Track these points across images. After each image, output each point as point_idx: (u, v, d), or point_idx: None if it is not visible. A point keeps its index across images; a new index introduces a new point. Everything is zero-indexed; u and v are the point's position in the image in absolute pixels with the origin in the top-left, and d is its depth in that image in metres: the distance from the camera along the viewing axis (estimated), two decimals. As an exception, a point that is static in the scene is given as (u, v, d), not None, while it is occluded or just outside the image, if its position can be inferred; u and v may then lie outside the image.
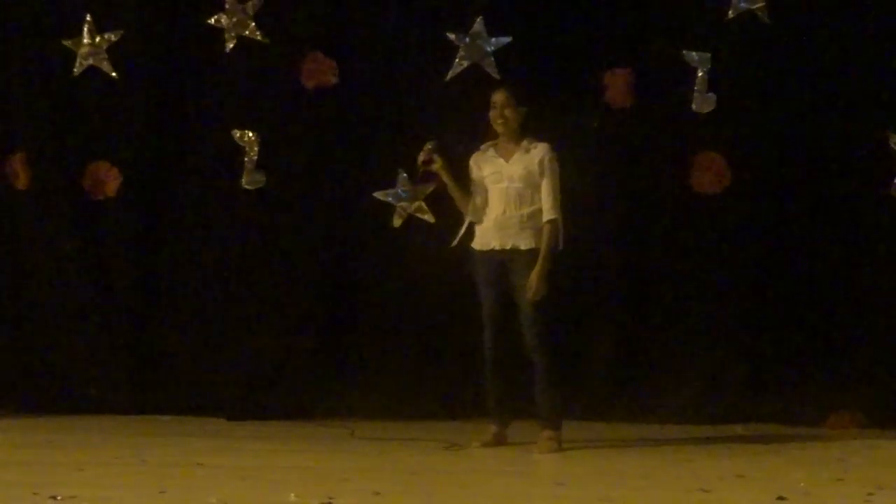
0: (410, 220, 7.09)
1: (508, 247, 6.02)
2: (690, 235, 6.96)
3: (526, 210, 6.02)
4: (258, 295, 7.17)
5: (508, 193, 6.03)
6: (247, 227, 7.21)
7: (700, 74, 6.92)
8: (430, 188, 7.00)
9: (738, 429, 6.63)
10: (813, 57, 6.90)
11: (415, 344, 7.05)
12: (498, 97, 6.09)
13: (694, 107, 6.94)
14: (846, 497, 4.71)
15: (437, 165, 6.11)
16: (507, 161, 6.08)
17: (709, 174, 6.93)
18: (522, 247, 6.00)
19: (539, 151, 6.05)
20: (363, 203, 7.12)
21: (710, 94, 6.93)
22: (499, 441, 6.09)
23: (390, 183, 7.09)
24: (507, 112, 6.05)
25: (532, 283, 5.90)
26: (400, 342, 7.08)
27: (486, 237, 6.07)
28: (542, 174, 6.02)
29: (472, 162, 6.17)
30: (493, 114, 6.09)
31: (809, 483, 5.01)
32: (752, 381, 6.87)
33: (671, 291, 6.98)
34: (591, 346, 6.99)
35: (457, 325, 6.85)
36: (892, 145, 6.84)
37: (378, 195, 7.11)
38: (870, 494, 4.71)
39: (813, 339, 6.86)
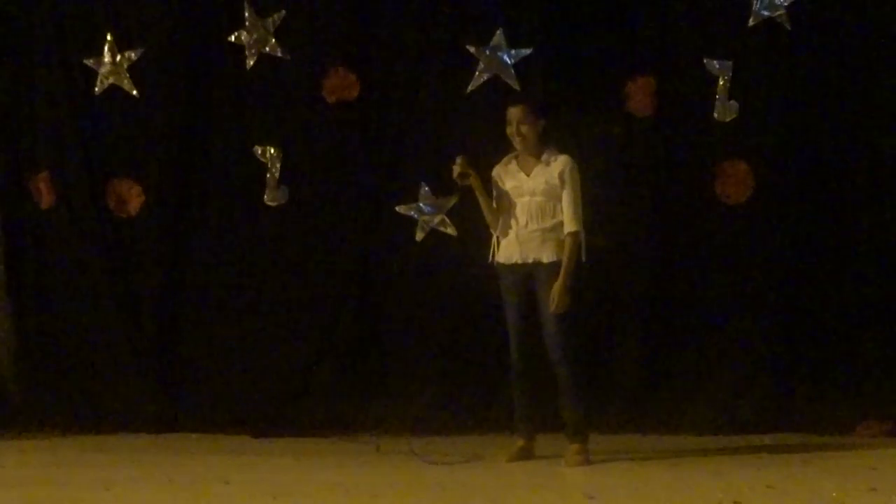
0: (433, 233, 7.08)
1: (531, 260, 6.01)
2: (716, 244, 6.93)
3: (548, 223, 6.00)
4: (283, 311, 7.17)
5: (530, 207, 6.02)
6: (270, 243, 7.22)
7: (721, 82, 6.89)
8: (452, 201, 7.00)
9: (767, 438, 6.58)
10: (835, 63, 6.87)
11: (440, 358, 7.03)
12: (513, 113, 6.06)
13: (716, 115, 6.91)
14: (879, 507, 4.68)
15: (472, 179, 6.08)
16: (528, 175, 6.06)
17: (733, 182, 6.90)
18: (545, 260, 5.98)
19: (560, 164, 6.03)
20: (386, 217, 7.12)
21: (731, 102, 6.90)
22: (526, 455, 6.06)
23: (413, 197, 7.09)
24: (524, 128, 6.02)
25: (555, 296, 5.88)
26: (425, 356, 7.06)
27: (509, 251, 6.05)
28: (562, 186, 6.00)
29: (494, 175, 6.15)
30: (509, 130, 6.06)
31: (841, 493, 4.98)
32: (781, 390, 6.84)
33: (697, 301, 6.94)
34: (619, 357, 6.96)
35: (482, 339, 6.84)
36: (917, 150, 6.82)
37: (400, 209, 7.11)
38: (903, 504, 4.68)
39: (841, 348, 6.83)
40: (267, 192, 7.19)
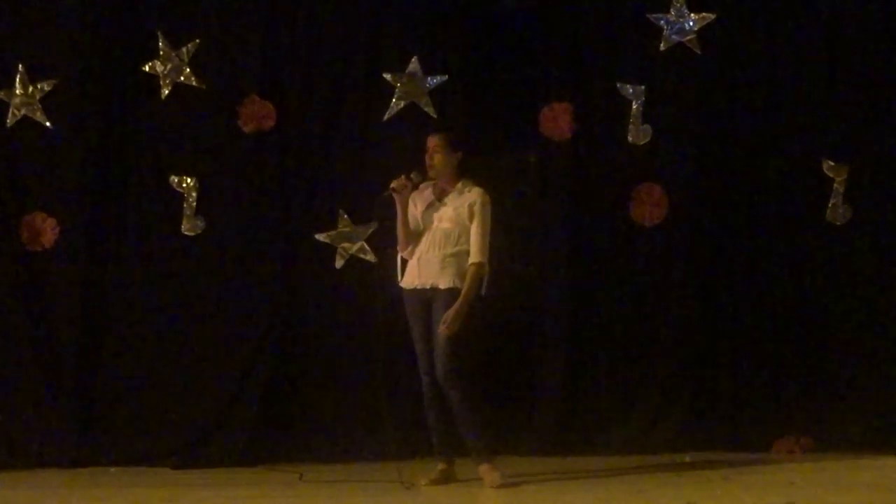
0: (353, 260, 7.08)
1: (429, 285, 6.04)
2: (632, 266, 7.02)
3: (449, 250, 6.04)
4: (202, 341, 7.11)
5: (435, 233, 6.06)
6: (188, 273, 7.16)
7: (635, 106, 7.00)
8: (371, 229, 7.01)
9: (688, 457, 6.66)
10: (744, 85, 7.03)
11: (361, 385, 7.01)
12: (431, 141, 6.13)
13: (630, 138, 7.02)
14: (796, 519, 4.75)
15: (406, 195, 6.08)
16: (439, 201, 6.09)
17: (648, 205, 7.00)
18: (441, 286, 6.01)
19: (472, 195, 6.08)
20: (305, 245, 7.10)
21: (645, 126, 7.01)
22: (446, 478, 6.06)
23: (332, 224, 7.08)
24: (437, 158, 6.08)
25: (447, 318, 5.90)
26: (346, 384, 7.04)
27: (411, 275, 6.10)
28: (471, 218, 6.04)
29: (410, 199, 6.18)
30: (426, 157, 6.11)
31: (759, 507, 5.05)
32: (699, 410, 6.93)
33: (615, 324, 7.02)
34: (539, 380, 7.01)
35: (401, 364, 6.83)
36: (826, 171, 6.97)
37: (319, 237, 7.10)
38: (819, 516, 4.76)
39: (756, 367, 6.94)
40: (184, 221, 7.14)
